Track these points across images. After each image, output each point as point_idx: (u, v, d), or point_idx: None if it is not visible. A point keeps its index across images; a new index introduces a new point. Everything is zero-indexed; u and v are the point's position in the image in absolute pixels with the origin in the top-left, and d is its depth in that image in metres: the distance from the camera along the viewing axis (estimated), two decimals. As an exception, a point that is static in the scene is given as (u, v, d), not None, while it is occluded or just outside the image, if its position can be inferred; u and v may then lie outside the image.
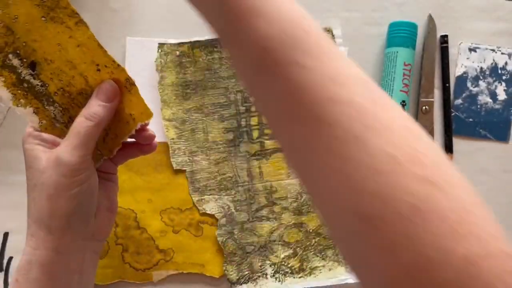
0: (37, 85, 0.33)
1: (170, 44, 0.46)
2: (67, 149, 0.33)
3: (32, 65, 0.32)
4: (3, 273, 0.43)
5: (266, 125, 0.46)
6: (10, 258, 0.44)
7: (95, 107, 0.33)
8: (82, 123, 0.33)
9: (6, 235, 0.44)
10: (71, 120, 0.34)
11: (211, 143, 0.45)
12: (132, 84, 0.35)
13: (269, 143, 0.46)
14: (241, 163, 0.45)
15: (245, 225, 0.45)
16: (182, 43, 0.46)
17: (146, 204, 0.45)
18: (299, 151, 0.23)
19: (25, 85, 0.33)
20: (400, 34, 0.46)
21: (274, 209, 0.45)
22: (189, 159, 0.45)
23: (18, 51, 0.32)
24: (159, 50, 0.45)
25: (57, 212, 0.33)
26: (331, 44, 0.23)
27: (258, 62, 0.23)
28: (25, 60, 0.32)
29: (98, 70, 0.34)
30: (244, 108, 0.46)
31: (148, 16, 0.47)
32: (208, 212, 0.44)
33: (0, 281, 0.43)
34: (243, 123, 0.46)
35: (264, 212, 0.45)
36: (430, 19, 0.48)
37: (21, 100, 0.33)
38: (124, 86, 0.34)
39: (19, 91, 0.33)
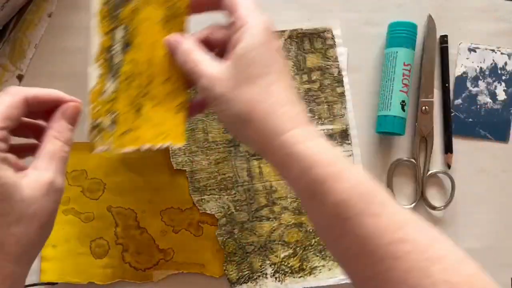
0: (117, 60, 0.38)
1: None
2: (58, 174, 0.30)
3: (127, 45, 0.38)
4: (3, 273, 0.44)
5: None
6: (11, 258, 0.44)
7: (68, 132, 0.33)
8: (62, 148, 0.32)
9: (6, 235, 0.44)
10: (114, 102, 0.37)
11: (211, 143, 0.45)
12: (184, 109, 0.38)
13: None
14: (241, 163, 0.45)
15: (245, 225, 0.45)
16: None
17: (146, 204, 0.45)
18: (369, 279, 0.29)
19: (110, 54, 0.38)
20: (399, 34, 0.46)
21: (274, 209, 0.45)
22: (189, 159, 0.45)
23: (128, 28, 0.38)
24: None
25: (44, 241, 0.31)
26: (393, 200, 0.30)
27: (334, 214, 0.29)
28: (126, 37, 0.38)
29: (164, 83, 0.38)
30: None
31: (148, 16, 0.47)
32: (208, 212, 0.45)
33: None
34: None
35: (264, 212, 0.45)
36: (430, 19, 0.48)
37: (99, 62, 0.38)
38: (175, 107, 0.38)
39: (104, 55, 0.38)
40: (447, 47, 0.48)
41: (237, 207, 0.45)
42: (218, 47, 0.37)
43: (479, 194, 0.48)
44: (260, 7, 0.35)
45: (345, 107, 0.46)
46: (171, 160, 0.45)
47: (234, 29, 0.34)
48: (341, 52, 0.47)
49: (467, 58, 0.49)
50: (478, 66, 0.49)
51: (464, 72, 0.49)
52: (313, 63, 0.46)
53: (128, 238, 0.44)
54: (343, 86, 0.47)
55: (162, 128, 0.38)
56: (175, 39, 0.36)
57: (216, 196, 0.45)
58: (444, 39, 0.48)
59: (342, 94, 0.46)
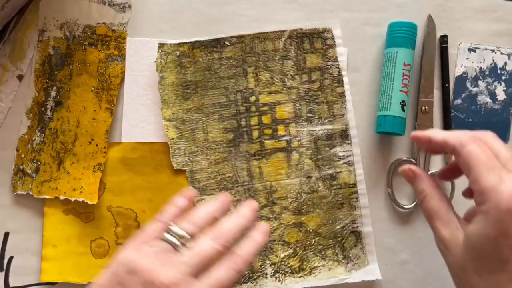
0: (47, 116, 0.44)
1: (170, 44, 0.46)
2: None
3: (58, 104, 0.44)
4: (3, 273, 0.44)
5: (266, 125, 0.46)
6: (11, 258, 0.44)
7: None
8: None
9: (6, 235, 0.44)
10: (39, 153, 0.43)
11: (211, 143, 0.45)
12: (100, 170, 0.44)
13: (269, 143, 0.46)
14: (241, 163, 0.45)
15: None
16: (182, 43, 0.46)
17: (146, 204, 0.45)
18: None
19: (42, 108, 0.44)
20: (399, 34, 0.46)
21: (274, 209, 0.45)
22: (189, 159, 0.45)
23: (61, 90, 0.44)
24: (159, 50, 0.46)
25: None
26: None
27: None
28: (58, 97, 0.44)
29: (87, 144, 0.43)
30: (244, 108, 0.46)
31: (148, 16, 0.47)
32: None
33: (1, 281, 0.43)
34: (243, 123, 0.46)
35: (264, 212, 0.45)
36: (430, 19, 0.48)
37: (30, 115, 0.44)
38: (93, 166, 0.44)
39: (36, 109, 0.44)
40: (447, 47, 0.48)
41: (237, 207, 0.45)
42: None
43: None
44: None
45: (345, 107, 0.46)
46: (171, 160, 0.45)
47: (475, 198, 0.30)
48: (341, 52, 0.47)
49: (467, 58, 0.49)
50: (478, 66, 0.49)
51: (464, 72, 0.49)
52: (313, 63, 0.47)
53: (128, 238, 0.44)
54: (343, 86, 0.47)
55: (79, 184, 0.43)
56: (414, 171, 0.35)
57: (216, 196, 0.45)
58: (444, 39, 0.48)
59: (342, 94, 0.46)
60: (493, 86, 0.49)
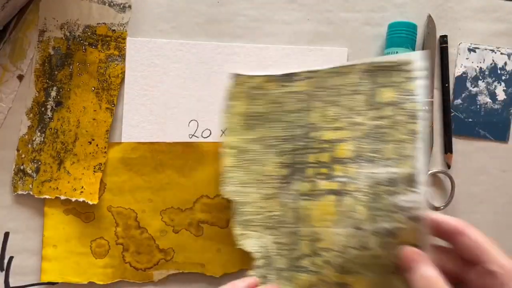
0: (47, 116, 0.44)
1: (244, 75, 0.44)
2: None
3: (58, 104, 0.44)
4: (3, 273, 0.44)
5: (323, 163, 0.40)
6: (11, 258, 0.44)
7: None
8: None
9: (6, 234, 0.44)
10: (39, 153, 0.43)
11: (265, 177, 0.42)
12: (100, 170, 0.44)
13: (322, 184, 0.40)
14: (288, 201, 0.41)
15: (283, 273, 0.40)
16: (256, 75, 0.43)
17: (146, 204, 0.45)
18: None
19: (42, 108, 0.44)
20: (399, 34, 0.46)
21: (315, 260, 0.38)
22: (240, 190, 0.43)
23: (61, 90, 0.44)
24: (233, 80, 0.44)
25: None
26: None
27: None
28: (58, 97, 0.44)
29: (88, 144, 0.44)
30: (303, 144, 0.41)
31: (148, 16, 0.47)
32: (247, 249, 0.41)
33: (1, 281, 0.43)
34: (298, 159, 0.41)
35: (304, 262, 0.39)
36: (430, 19, 0.48)
37: (31, 115, 0.44)
38: (94, 166, 0.44)
39: (36, 109, 0.44)
40: (446, 47, 0.48)
41: (278, 251, 0.40)
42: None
43: (479, 194, 0.48)
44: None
45: (415, 148, 0.36)
46: (220, 188, 0.42)
47: (490, 276, 0.31)
48: (421, 85, 0.38)
49: (467, 58, 0.49)
50: (477, 66, 0.49)
51: (464, 72, 0.49)
52: (387, 98, 0.39)
53: (128, 238, 0.44)
54: (417, 123, 0.37)
55: (80, 184, 0.43)
56: (414, 256, 0.32)
57: (259, 233, 0.41)
58: (444, 39, 0.48)
59: (415, 132, 0.37)
60: (493, 86, 0.49)
